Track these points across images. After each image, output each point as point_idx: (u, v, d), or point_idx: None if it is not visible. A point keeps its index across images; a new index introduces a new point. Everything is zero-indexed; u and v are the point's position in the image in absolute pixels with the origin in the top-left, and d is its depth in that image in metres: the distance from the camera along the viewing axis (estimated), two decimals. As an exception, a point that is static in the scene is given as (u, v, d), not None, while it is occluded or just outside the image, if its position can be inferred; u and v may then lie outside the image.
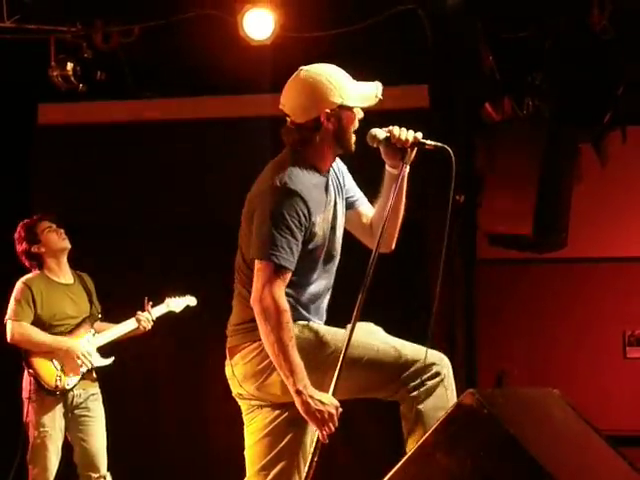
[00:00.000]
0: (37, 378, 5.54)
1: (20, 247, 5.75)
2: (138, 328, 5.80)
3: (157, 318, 5.87)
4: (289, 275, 3.40)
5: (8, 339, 5.62)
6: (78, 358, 5.59)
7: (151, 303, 5.87)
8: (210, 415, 6.81)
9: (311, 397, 3.35)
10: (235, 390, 3.62)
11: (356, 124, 3.52)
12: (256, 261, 3.40)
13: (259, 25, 6.06)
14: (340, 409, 3.39)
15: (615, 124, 6.43)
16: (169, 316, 5.96)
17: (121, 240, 6.99)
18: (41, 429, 5.55)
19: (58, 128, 7.23)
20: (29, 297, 5.61)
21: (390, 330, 3.61)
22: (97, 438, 5.67)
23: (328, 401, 3.36)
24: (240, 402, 3.66)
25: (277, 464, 3.57)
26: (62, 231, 5.75)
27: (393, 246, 3.66)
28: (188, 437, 6.87)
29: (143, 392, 6.79)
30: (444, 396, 3.46)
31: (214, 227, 6.69)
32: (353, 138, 3.53)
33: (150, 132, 7.12)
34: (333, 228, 3.55)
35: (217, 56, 6.35)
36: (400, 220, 3.62)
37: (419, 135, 3.52)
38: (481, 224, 6.53)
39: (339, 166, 3.67)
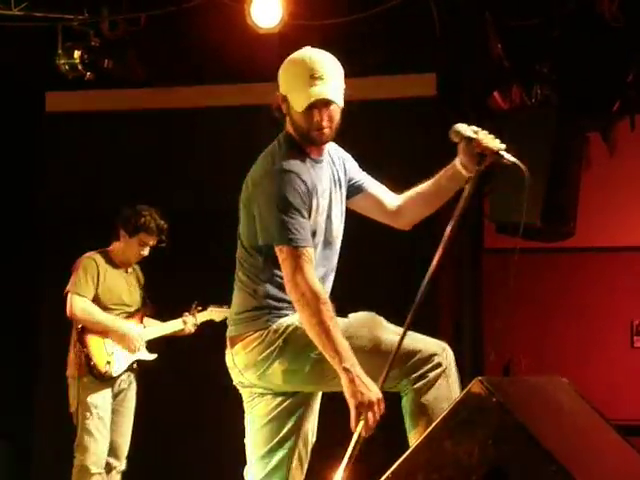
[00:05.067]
0: (88, 359, 5.45)
1: (121, 220, 5.67)
2: (183, 330, 5.81)
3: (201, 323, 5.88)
4: (312, 252, 3.39)
5: (68, 312, 5.51)
6: (133, 344, 5.57)
7: (199, 308, 5.85)
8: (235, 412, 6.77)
9: (358, 377, 3.28)
10: (236, 379, 3.61)
11: (311, 123, 3.39)
12: (277, 249, 3.38)
13: (267, 13, 6.03)
14: (382, 405, 3.31)
15: (624, 112, 6.41)
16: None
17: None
18: (93, 410, 5.44)
19: (66, 116, 7.24)
20: (95, 272, 5.53)
21: (390, 318, 3.58)
22: (125, 428, 5.66)
23: (373, 388, 3.30)
24: (241, 390, 3.64)
25: (278, 451, 3.56)
26: (153, 244, 5.66)
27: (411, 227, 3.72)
28: (206, 432, 6.82)
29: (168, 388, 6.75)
30: (446, 387, 3.40)
31: (221, 216, 6.65)
32: (312, 131, 3.41)
33: (157, 120, 7.12)
34: (329, 217, 3.53)
35: (224, 44, 6.34)
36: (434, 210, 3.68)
37: (502, 147, 3.50)
38: (488, 213, 6.51)
39: (339, 154, 3.64)
